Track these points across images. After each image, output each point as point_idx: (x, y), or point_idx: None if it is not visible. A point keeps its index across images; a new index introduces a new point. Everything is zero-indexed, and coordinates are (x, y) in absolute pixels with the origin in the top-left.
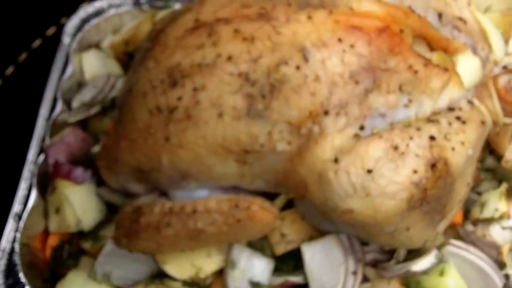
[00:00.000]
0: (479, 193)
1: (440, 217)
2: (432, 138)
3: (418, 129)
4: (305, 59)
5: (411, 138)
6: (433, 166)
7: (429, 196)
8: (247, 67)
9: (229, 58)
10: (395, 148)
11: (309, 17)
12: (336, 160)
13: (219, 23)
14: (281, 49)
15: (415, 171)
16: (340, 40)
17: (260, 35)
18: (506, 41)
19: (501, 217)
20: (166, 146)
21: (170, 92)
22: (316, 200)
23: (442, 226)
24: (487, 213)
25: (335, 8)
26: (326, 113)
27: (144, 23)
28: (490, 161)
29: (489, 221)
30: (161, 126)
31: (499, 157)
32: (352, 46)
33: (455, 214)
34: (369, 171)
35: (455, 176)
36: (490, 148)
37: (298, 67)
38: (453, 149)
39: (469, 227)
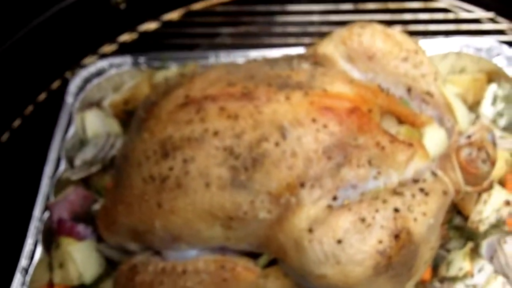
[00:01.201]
0: (448, 250)
1: (407, 279)
2: (396, 210)
3: (384, 201)
4: (284, 136)
5: (377, 210)
6: (396, 236)
7: (393, 263)
8: (232, 142)
9: (215, 133)
10: (363, 220)
11: (287, 98)
12: (310, 230)
13: (207, 100)
14: (262, 127)
15: (380, 241)
16: (314, 120)
17: (243, 113)
18: (477, 102)
19: (464, 276)
20: (159, 212)
21: (163, 162)
22: (294, 265)
23: (410, 285)
24: (452, 271)
25: (311, 90)
26: (302, 185)
27: (142, 83)
28: (458, 220)
29: (454, 279)
30: (154, 194)
31: (465, 217)
32: (325, 125)
33: (423, 273)
34: (339, 241)
35: (418, 243)
36: (457, 209)
37: (277, 144)
38: (415, 219)
39: (436, 284)
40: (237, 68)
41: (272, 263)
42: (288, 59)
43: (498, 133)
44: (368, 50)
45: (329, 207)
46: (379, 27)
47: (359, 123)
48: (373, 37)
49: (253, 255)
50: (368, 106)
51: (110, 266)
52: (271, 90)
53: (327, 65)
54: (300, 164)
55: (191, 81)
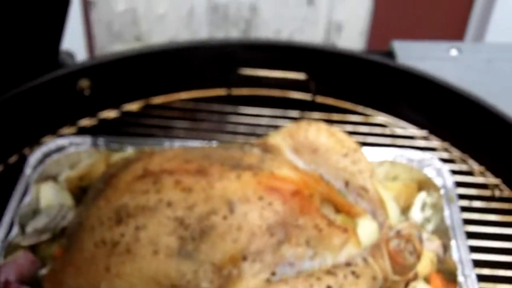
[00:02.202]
0: None
1: None
2: (329, 287)
3: (318, 279)
4: (231, 211)
5: (311, 285)
6: None
7: None
8: (183, 213)
9: (169, 204)
10: None
11: (238, 176)
12: None
13: (164, 173)
14: (213, 201)
15: None
16: (261, 198)
17: (197, 187)
18: (408, 207)
19: None
20: (106, 275)
21: (115, 228)
22: None
23: None
24: None
25: (260, 171)
26: (244, 258)
27: (99, 162)
28: None
29: None
30: (103, 257)
31: None
32: (270, 203)
33: None
34: None
35: None
36: None
37: (225, 217)
38: None
39: None
40: (194, 150)
41: None
42: (241, 145)
43: (425, 235)
44: (313, 144)
45: (268, 280)
46: (324, 126)
47: (301, 204)
48: (318, 133)
49: None
50: (310, 191)
51: None
52: (224, 169)
53: (275, 153)
54: (244, 238)
55: (150, 156)
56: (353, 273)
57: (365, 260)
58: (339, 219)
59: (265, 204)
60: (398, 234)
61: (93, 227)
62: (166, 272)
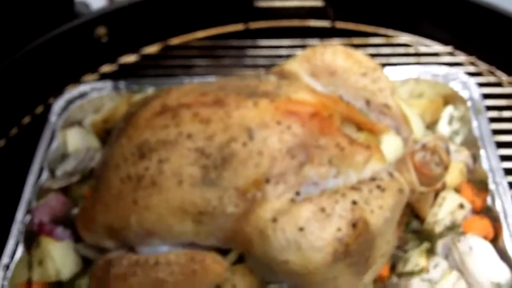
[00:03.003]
0: (405, 251)
1: (365, 269)
2: (354, 202)
3: (343, 195)
4: (251, 137)
5: (336, 202)
6: (354, 225)
7: (351, 250)
8: (203, 143)
9: (189, 136)
10: (323, 210)
11: (255, 104)
12: (274, 220)
13: (182, 107)
14: (231, 129)
15: (339, 229)
16: (279, 122)
17: (215, 118)
18: (435, 122)
19: (420, 271)
20: (135, 209)
21: (139, 163)
22: (259, 254)
23: (369, 277)
24: (409, 267)
25: (276, 97)
26: (267, 181)
27: (121, 104)
28: (415, 225)
29: (410, 274)
30: (130, 192)
31: (422, 221)
32: (288, 127)
33: (380, 267)
34: (301, 229)
35: (374, 234)
36: (415, 213)
37: (244, 144)
38: (372, 211)
39: (394, 279)
40: (210, 83)
41: (240, 261)
42: (257, 74)
43: (454, 147)
44: (330, 67)
45: (292, 200)
46: (341, 47)
47: (321, 126)
48: (335, 55)
49: (222, 253)
50: (329, 112)
51: (86, 265)
52: (240, 98)
53: (292, 79)
54: (265, 162)
55: (167, 92)
56: (378, 187)
57: (390, 174)
58: (361, 137)
59: (283, 128)
60: (424, 146)
61: (118, 165)
62: (192, 201)
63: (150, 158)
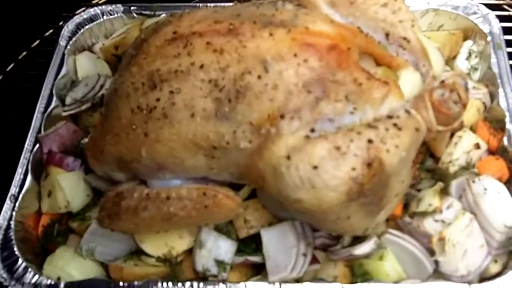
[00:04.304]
0: (419, 190)
1: (378, 209)
2: (370, 141)
3: (359, 133)
4: (266, 70)
5: (351, 140)
6: (369, 164)
7: (365, 190)
8: (216, 75)
9: (201, 66)
10: (338, 148)
11: (271, 34)
12: (288, 157)
13: (194, 35)
14: (246, 61)
15: (353, 168)
16: (295, 55)
17: (228, 48)
18: (453, 57)
19: (434, 211)
20: (145, 141)
21: (150, 94)
22: (272, 191)
23: (382, 216)
24: (422, 207)
25: (293, 27)
26: (282, 117)
27: (133, 29)
28: (429, 163)
29: (423, 214)
30: (141, 123)
31: (437, 160)
32: (305, 60)
33: (394, 207)
34: (315, 167)
35: (389, 174)
36: (430, 152)
37: (259, 77)
38: (387, 151)
39: (407, 219)
40: (224, 9)
41: (252, 196)
42: (274, 1)
43: (472, 84)
44: None
45: (307, 137)
46: None
47: (338, 59)
48: None
49: (235, 189)
50: (347, 45)
51: (96, 196)
52: (256, 27)
53: (310, 8)
54: (280, 96)
55: (179, 19)
56: (395, 125)
57: (407, 112)
58: (379, 72)
59: (300, 61)
60: (442, 84)
61: (129, 94)
62: (205, 135)
63: (161, 88)
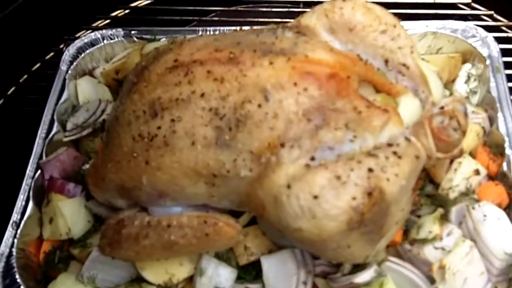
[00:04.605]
0: (419, 216)
1: (379, 237)
2: (370, 170)
3: (359, 162)
4: (266, 99)
5: (352, 169)
6: (369, 194)
7: (366, 219)
8: (217, 103)
9: (202, 95)
10: (338, 177)
11: (271, 63)
12: (288, 186)
13: (195, 64)
14: (246, 89)
15: (354, 198)
16: (295, 84)
17: (229, 76)
18: (452, 80)
19: (434, 238)
20: (146, 169)
21: (151, 122)
22: (272, 219)
23: (383, 244)
24: (422, 234)
25: (293, 56)
26: (282, 145)
27: (133, 53)
28: (429, 189)
29: (423, 241)
30: (142, 151)
31: (436, 186)
32: (305, 89)
33: (394, 234)
34: (315, 197)
35: (389, 202)
36: (429, 177)
37: (260, 105)
38: (388, 179)
39: (407, 246)
40: (224, 36)
41: (252, 223)
42: (273, 29)
43: (471, 108)
44: (349, 23)
45: (307, 166)
46: (360, 1)
47: (338, 88)
48: (354, 10)
49: (235, 215)
50: (346, 73)
51: (97, 222)
52: (256, 55)
53: (309, 35)
54: (281, 125)
55: (180, 47)
56: (395, 153)
57: (407, 139)
58: (379, 99)
59: (300, 89)
60: (442, 110)
61: (130, 122)
62: (205, 163)
63: (163, 116)
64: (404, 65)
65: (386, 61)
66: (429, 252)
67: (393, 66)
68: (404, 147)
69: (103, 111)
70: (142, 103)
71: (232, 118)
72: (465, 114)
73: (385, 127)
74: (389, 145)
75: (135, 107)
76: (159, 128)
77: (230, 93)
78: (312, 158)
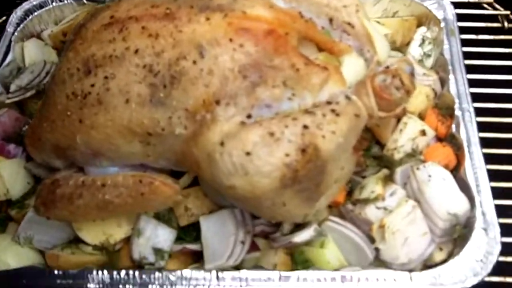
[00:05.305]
0: (364, 177)
1: (317, 195)
2: (305, 127)
3: (294, 119)
4: (201, 55)
5: (286, 126)
6: (303, 150)
7: (300, 176)
8: (151, 60)
9: (136, 51)
10: (271, 134)
11: (207, 19)
12: (222, 143)
13: (130, 20)
14: (181, 46)
15: (287, 155)
16: (231, 40)
17: (164, 32)
18: (407, 43)
19: (376, 198)
20: (80, 127)
21: (85, 79)
22: (207, 177)
23: (323, 203)
24: (365, 194)
25: (231, 12)
26: (217, 102)
27: (82, 15)
28: (375, 150)
29: (365, 201)
30: (76, 110)
31: (382, 147)
32: (241, 45)
33: (335, 193)
34: (248, 153)
35: (325, 160)
36: (375, 139)
37: (194, 62)
38: (323, 137)
39: (349, 206)
40: None
41: (194, 184)
42: None
43: (422, 70)
44: None
45: (242, 123)
46: None
47: (275, 44)
48: None
49: (176, 177)
50: (285, 30)
51: (37, 184)
52: (193, 12)
53: None
54: (216, 82)
55: (118, 4)
56: (333, 111)
57: (348, 98)
58: (320, 57)
59: (236, 46)
60: (385, 69)
61: (64, 80)
62: (140, 121)
63: (96, 74)
64: (349, 24)
65: (331, 20)
66: (370, 212)
67: (338, 25)
68: (343, 105)
69: (47, 73)
70: (76, 61)
71: (166, 75)
72: (411, 74)
73: (324, 85)
74: (328, 103)
75: (69, 64)
76: (92, 85)
77: (164, 50)
78: (249, 116)
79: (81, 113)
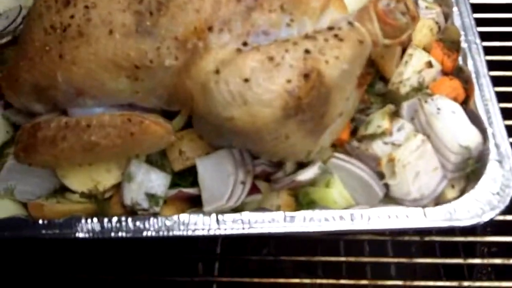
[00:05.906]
0: (368, 115)
1: (321, 129)
2: (307, 51)
3: (295, 43)
4: None
5: (286, 50)
6: (306, 76)
7: (303, 105)
8: None
9: None
10: (271, 59)
11: None
12: (217, 71)
13: None
14: None
15: (289, 81)
16: None
17: None
18: None
19: (383, 133)
20: (61, 63)
21: (64, 11)
22: (202, 111)
23: (327, 139)
24: (370, 130)
25: None
26: (210, 29)
27: None
28: (380, 86)
29: (372, 136)
30: (55, 44)
31: (387, 82)
32: None
33: (340, 129)
34: (246, 80)
35: (329, 87)
36: (379, 75)
37: None
38: (327, 62)
39: (355, 143)
40: None
41: (188, 127)
42: None
43: (424, 3)
44: None
45: (238, 50)
46: None
47: None
48: None
49: (168, 118)
50: None
51: (16, 132)
52: None
53: None
54: (207, 6)
55: None
56: (335, 36)
57: (350, 23)
58: None
59: None
60: None
61: (41, 13)
62: (126, 53)
63: (76, 4)
64: None
65: None
66: (377, 147)
67: None
68: (346, 30)
69: (24, 18)
70: None
71: (153, 1)
72: (415, 1)
73: (325, 9)
74: (330, 28)
75: None
76: (72, 17)
77: None
78: (245, 43)
79: (61, 48)
